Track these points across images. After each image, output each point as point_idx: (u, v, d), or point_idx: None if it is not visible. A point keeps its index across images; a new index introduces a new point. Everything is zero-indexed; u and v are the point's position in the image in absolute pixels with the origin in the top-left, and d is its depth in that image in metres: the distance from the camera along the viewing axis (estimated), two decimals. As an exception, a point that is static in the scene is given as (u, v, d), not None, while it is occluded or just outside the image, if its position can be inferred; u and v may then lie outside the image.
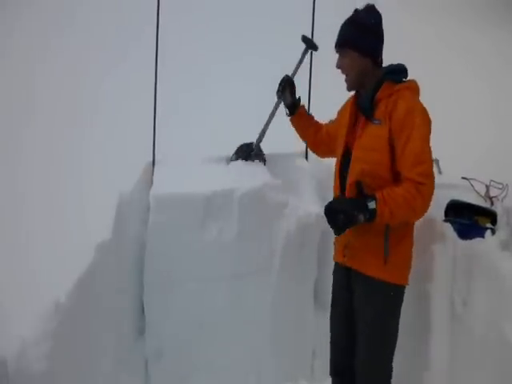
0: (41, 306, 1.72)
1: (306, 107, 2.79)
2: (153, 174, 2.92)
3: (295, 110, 2.60)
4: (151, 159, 3.00)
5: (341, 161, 2.24)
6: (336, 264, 2.37)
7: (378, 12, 2.17)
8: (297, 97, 2.63)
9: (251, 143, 2.99)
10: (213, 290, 2.73)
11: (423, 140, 2.04)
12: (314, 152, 2.77)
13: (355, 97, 2.26)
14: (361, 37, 2.12)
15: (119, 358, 2.53)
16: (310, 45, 2.77)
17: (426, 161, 2.03)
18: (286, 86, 2.60)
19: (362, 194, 2.04)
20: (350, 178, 2.13)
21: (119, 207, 2.54)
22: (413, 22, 6.22)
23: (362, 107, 2.15)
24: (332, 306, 2.39)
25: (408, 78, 2.17)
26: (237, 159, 2.98)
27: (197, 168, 2.93)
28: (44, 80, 4.28)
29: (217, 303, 2.74)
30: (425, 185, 1.98)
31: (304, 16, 3.20)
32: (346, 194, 2.15)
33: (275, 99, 2.76)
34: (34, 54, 4.74)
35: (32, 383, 1.57)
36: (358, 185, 2.06)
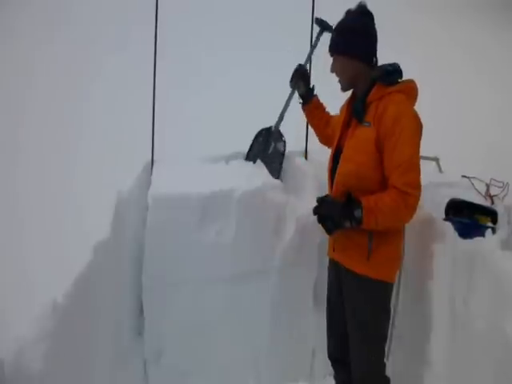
0: (38, 306, 1.71)
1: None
2: (151, 173, 2.91)
3: (308, 99, 2.60)
4: (150, 158, 2.99)
5: (332, 159, 2.29)
6: (329, 259, 2.43)
7: (368, 12, 2.18)
8: (311, 86, 2.62)
9: (270, 127, 3.00)
10: (211, 290, 2.72)
11: (412, 147, 2.04)
12: (323, 143, 2.71)
13: (351, 97, 2.30)
14: (348, 41, 2.15)
15: (118, 358, 2.52)
16: (324, 27, 2.72)
17: (413, 169, 2.03)
18: (299, 76, 2.60)
19: (350, 200, 2.06)
20: (338, 177, 2.20)
21: (117, 206, 2.53)
22: (419, 21, 6.21)
23: (354, 110, 2.18)
24: (327, 297, 2.46)
25: (404, 79, 2.17)
26: (256, 143, 2.99)
27: (196, 168, 2.92)
28: (41, 78, 4.26)
29: (216, 304, 2.73)
30: (411, 195, 1.99)
31: (303, 11, 3.18)
32: (333, 193, 2.22)
33: (287, 91, 2.78)
34: (30, 51, 4.71)
35: (29, 384, 1.55)
36: (349, 193, 2.09)
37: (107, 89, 4.11)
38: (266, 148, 3.01)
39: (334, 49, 2.21)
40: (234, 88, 4.27)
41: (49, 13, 5.46)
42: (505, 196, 2.67)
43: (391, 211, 2.00)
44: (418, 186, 2.01)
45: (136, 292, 2.75)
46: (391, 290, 2.26)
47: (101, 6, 5.62)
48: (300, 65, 2.67)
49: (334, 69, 2.23)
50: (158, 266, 2.66)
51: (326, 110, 2.65)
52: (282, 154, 3.07)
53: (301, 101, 2.64)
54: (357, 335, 2.24)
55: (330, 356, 2.48)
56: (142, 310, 2.75)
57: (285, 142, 3.07)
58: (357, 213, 2.01)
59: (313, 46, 2.77)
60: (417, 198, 2.01)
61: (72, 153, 3.21)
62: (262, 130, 3.03)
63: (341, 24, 2.21)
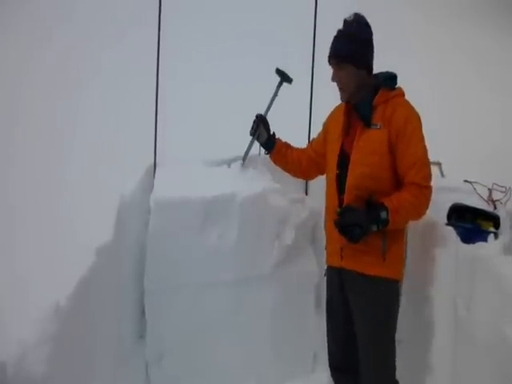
0: (41, 309, 1.71)
1: (308, 114, 2.78)
2: (154, 176, 2.91)
3: (272, 145, 2.59)
4: (153, 161, 2.99)
5: (337, 165, 2.26)
6: (329, 267, 2.39)
7: (367, 22, 2.20)
8: (271, 132, 2.61)
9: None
10: (213, 294, 2.71)
11: (423, 143, 2.14)
12: (302, 178, 2.81)
13: (346, 104, 2.29)
14: (357, 50, 2.16)
15: (119, 360, 2.52)
16: (284, 78, 2.69)
17: (426, 164, 2.13)
18: (260, 125, 2.58)
19: (372, 204, 2.08)
20: (350, 181, 2.18)
21: (120, 209, 2.53)
22: (422, 24, 6.20)
23: (362, 114, 2.19)
24: (328, 307, 2.42)
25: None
26: None
27: (198, 171, 2.91)
28: (44, 79, 4.24)
29: (217, 307, 2.72)
30: (428, 188, 2.11)
31: (305, 16, 3.17)
32: (346, 197, 2.18)
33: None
34: (28, 50, 4.67)
35: (31, 387, 1.55)
36: (369, 198, 2.10)
37: (110, 92, 4.10)
38: None
39: (342, 57, 2.17)
40: (237, 92, 4.26)
41: (47, 11, 5.43)
42: (507, 201, 2.66)
43: (413, 207, 2.09)
44: (431, 179, 2.14)
45: (138, 295, 2.74)
46: (401, 289, 2.28)
47: (98, 3, 5.59)
48: (259, 114, 2.64)
49: (337, 77, 2.21)
50: (159, 270, 2.65)
51: (292, 145, 2.64)
52: None
53: (266, 151, 2.64)
54: (366, 334, 2.22)
55: (331, 364, 2.45)
56: (143, 313, 2.75)
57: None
58: (383, 215, 2.04)
59: (272, 97, 2.72)
60: (432, 189, 2.12)
61: (76, 156, 3.21)
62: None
63: (347, 33, 2.18)
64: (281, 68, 2.71)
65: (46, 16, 5.32)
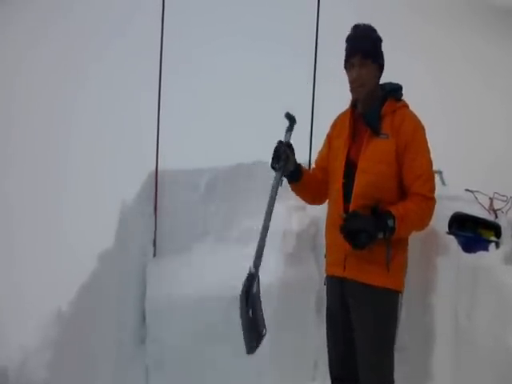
0: (42, 314, 1.72)
1: (309, 119, 2.75)
2: (156, 183, 2.91)
3: (298, 175, 2.27)
4: (154, 167, 2.99)
5: (343, 173, 2.22)
6: (330, 277, 2.34)
7: (375, 30, 2.22)
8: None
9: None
10: (213, 305, 2.71)
11: (428, 156, 2.16)
12: (317, 203, 2.52)
13: (352, 112, 2.27)
14: (378, 51, 2.19)
15: (120, 366, 2.52)
16: (294, 121, 2.21)
17: (432, 177, 2.17)
18: (288, 153, 2.18)
19: (379, 212, 2.08)
20: (356, 190, 2.15)
21: (122, 215, 2.54)
22: (423, 29, 6.20)
23: (370, 122, 2.18)
24: (328, 316, 2.38)
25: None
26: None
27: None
28: (42, 80, 4.20)
29: (218, 316, 2.72)
30: (433, 199, 2.13)
31: (307, 20, 3.18)
32: (352, 206, 2.15)
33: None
34: (26, 50, 4.64)
35: (33, 392, 1.56)
36: (375, 206, 2.10)
37: (111, 98, 4.07)
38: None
39: (368, 54, 2.14)
40: (240, 97, 4.22)
41: (45, 9, 5.39)
42: (508, 210, 2.66)
43: (419, 217, 2.11)
44: (435, 191, 2.17)
45: (139, 300, 2.75)
46: (402, 299, 2.25)
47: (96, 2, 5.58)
48: (281, 141, 2.20)
49: (359, 75, 2.14)
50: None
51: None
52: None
53: (289, 180, 2.26)
54: (366, 342, 2.20)
55: (332, 372, 2.41)
56: (144, 318, 2.76)
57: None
58: (390, 223, 2.04)
59: (287, 134, 2.21)
60: (435, 201, 2.15)
61: (77, 162, 3.18)
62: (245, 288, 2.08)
63: (369, 34, 2.19)
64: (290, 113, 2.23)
65: (44, 15, 5.29)
